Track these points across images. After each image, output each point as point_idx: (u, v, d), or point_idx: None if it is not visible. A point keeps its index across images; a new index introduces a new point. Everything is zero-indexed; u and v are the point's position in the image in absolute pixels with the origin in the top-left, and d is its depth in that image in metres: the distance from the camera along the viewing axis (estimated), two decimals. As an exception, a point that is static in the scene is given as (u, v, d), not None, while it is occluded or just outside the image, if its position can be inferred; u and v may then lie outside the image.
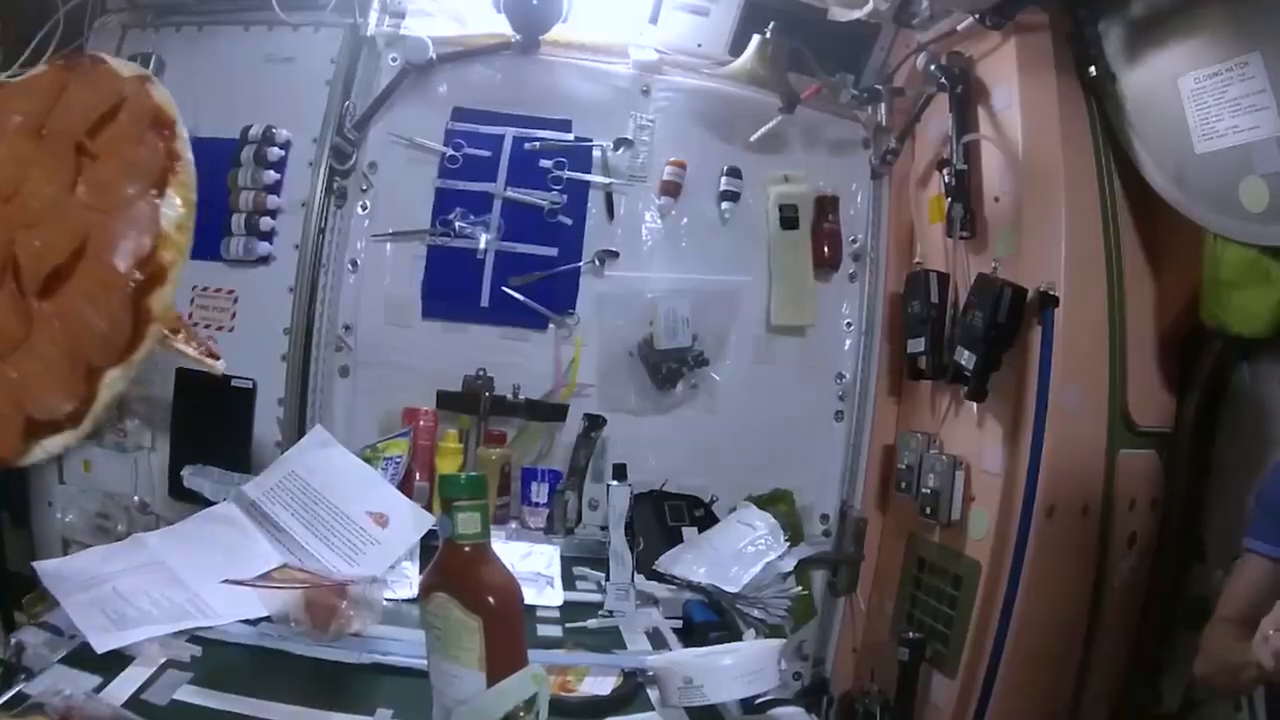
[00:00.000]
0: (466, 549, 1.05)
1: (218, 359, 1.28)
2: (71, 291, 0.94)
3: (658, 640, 1.69)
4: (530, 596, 1.78)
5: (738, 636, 1.74)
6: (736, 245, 2.45)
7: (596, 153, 2.39)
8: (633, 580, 1.83)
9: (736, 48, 2.40)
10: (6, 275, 0.95)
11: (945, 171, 2.18)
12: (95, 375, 0.94)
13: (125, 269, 0.95)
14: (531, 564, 1.95)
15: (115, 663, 1.24)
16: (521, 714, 1.00)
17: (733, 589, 1.93)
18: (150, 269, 0.96)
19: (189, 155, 1.04)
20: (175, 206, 0.98)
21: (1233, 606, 1.56)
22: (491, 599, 1.02)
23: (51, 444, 0.95)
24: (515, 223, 2.35)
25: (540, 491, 2.24)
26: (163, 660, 1.28)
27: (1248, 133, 1.70)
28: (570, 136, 2.38)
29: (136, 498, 2.19)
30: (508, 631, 1.04)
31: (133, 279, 0.95)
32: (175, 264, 0.98)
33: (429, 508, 1.93)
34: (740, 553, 2.02)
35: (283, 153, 2.26)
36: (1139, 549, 2.09)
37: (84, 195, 1.00)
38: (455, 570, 1.05)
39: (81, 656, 1.25)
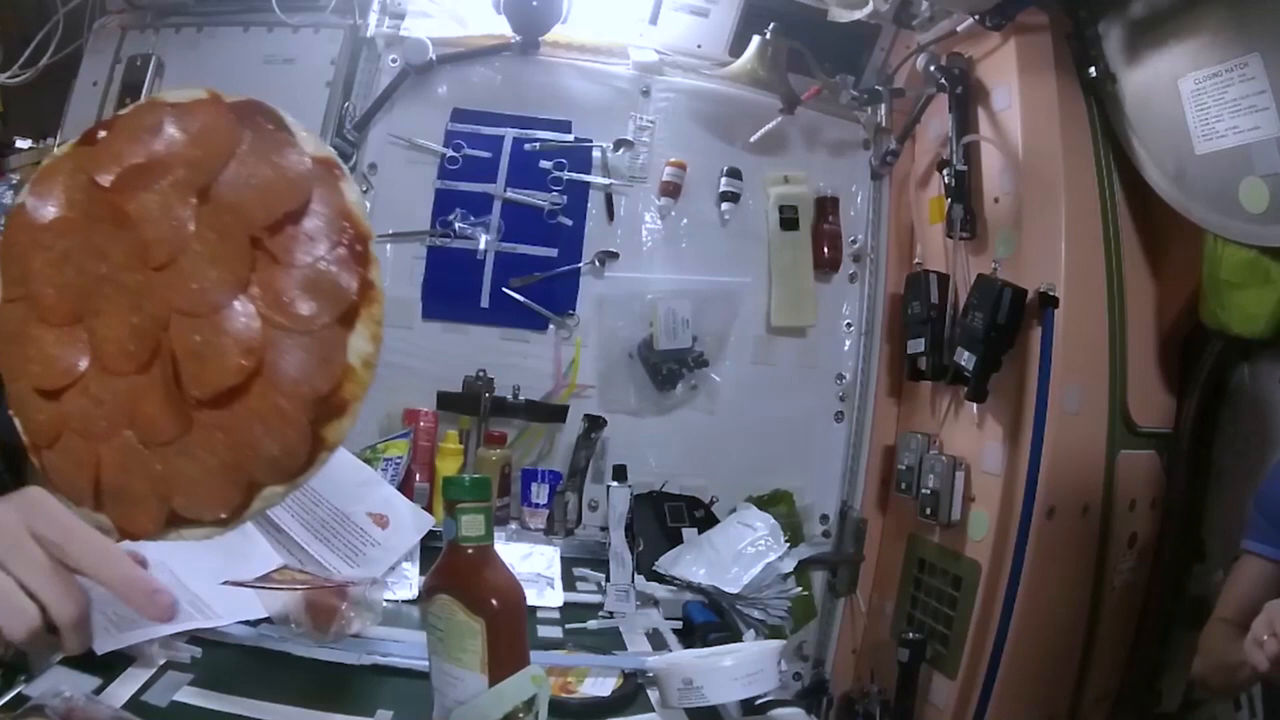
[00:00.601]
0: (470, 551, 1.05)
1: None
2: (242, 411, 0.83)
3: (658, 641, 1.69)
4: (530, 597, 1.77)
5: (738, 637, 1.74)
6: (736, 246, 2.45)
7: (596, 153, 2.39)
8: (633, 581, 1.83)
9: (736, 48, 2.40)
10: (157, 362, 0.84)
11: (945, 172, 2.18)
12: (255, 488, 0.86)
13: (306, 405, 0.84)
14: (532, 565, 1.95)
15: (115, 664, 1.24)
16: (521, 715, 1.00)
17: (733, 590, 1.93)
18: (331, 404, 0.88)
19: (382, 282, 0.89)
20: (365, 340, 0.87)
21: (1230, 607, 1.56)
22: (495, 601, 1.02)
23: (191, 534, 0.89)
24: (515, 224, 2.35)
25: (540, 492, 2.24)
26: (163, 661, 1.28)
27: (1247, 133, 1.70)
28: (570, 137, 2.38)
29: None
30: (510, 634, 1.04)
31: (312, 415, 0.87)
32: (357, 399, 0.88)
33: (429, 509, 1.93)
34: (740, 553, 2.02)
35: (283, 153, 2.25)
36: (1139, 549, 2.09)
37: (261, 302, 0.84)
38: (458, 572, 1.05)
39: (81, 657, 1.24)
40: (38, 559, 0.77)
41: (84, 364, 0.83)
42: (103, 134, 0.90)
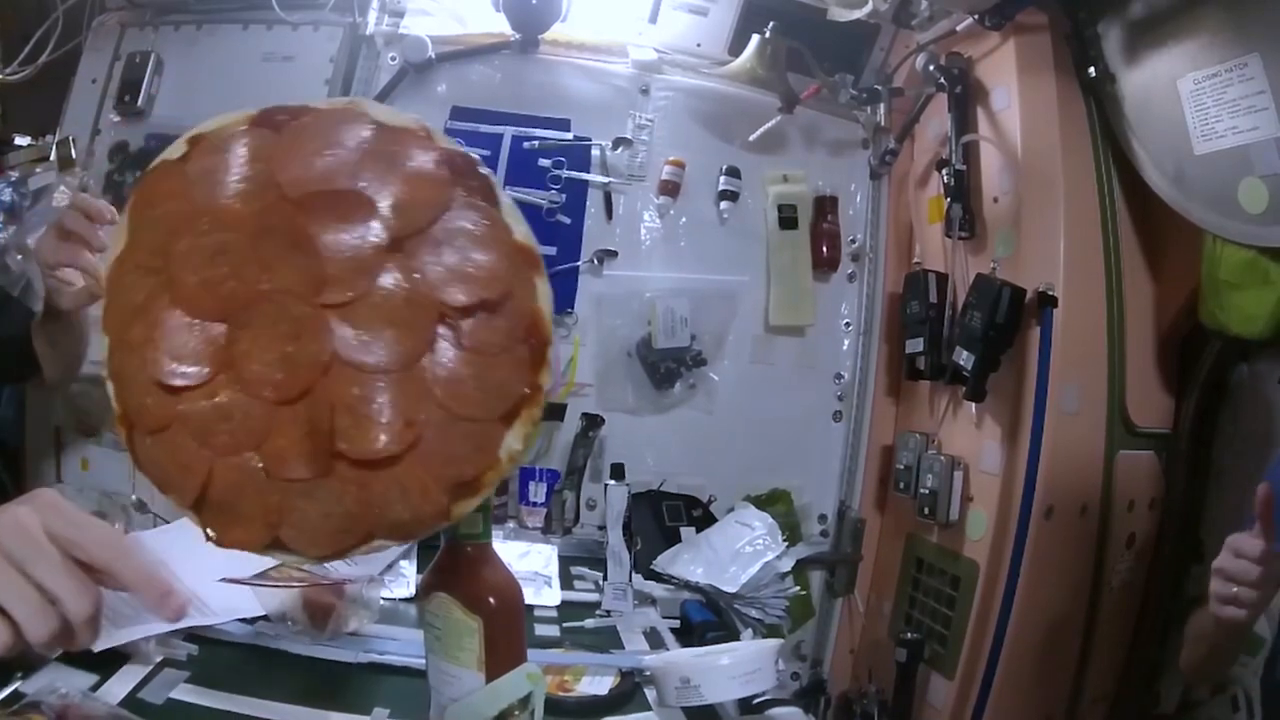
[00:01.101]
0: (468, 549, 1.04)
1: None
2: (385, 476, 0.81)
3: (655, 640, 1.69)
4: (528, 596, 1.77)
5: (735, 636, 1.74)
6: (735, 245, 2.45)
7: (595, 152, 2.38)
8: (630, 580, 1.83)
9: (736, 47, 2.40)
10: (304, 401, 0.80)
11: (944, 172, 2.18)
12: (368, 539, 0.84)
13: (448, 486, 0.83)
14: (529, 563, 1.95)
15: (112, 661, 1.24)
16: (516, 712, 1.00)
17: (730, 589, 1.93)
18: (469, 486, 0.84)
19: (548, 385, 0.89)
20: (517, 439, 0.86)
21: None
22: (492, 599, 1.02)
23: (279, 557, 0.88)
24: (514, 222, 2.34)
25: (538, 491, 2.24)
26: (159, 659, 1.28)
27: (1247, 134, 1.70)
28: (569, 136, 2.38)
29: (134, 496, 2.18)
30: (508, 632, 1.04)
31: (450, 496, 0.83)
32: (492, 484, 0.87)
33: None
34: (738, 553, 2.02)
35: (282, 152, 2.25)
36: (1137, 549, 2.09)
37: (432, 378, 0.82)
38: (456, 570, 1.05)
39: (78, 655, 1.24)
40: (56, 560, 0.77)
41: (209, 370, 0.80)
42: (287, 121, 0.88)
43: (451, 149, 0.91)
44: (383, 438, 0.80)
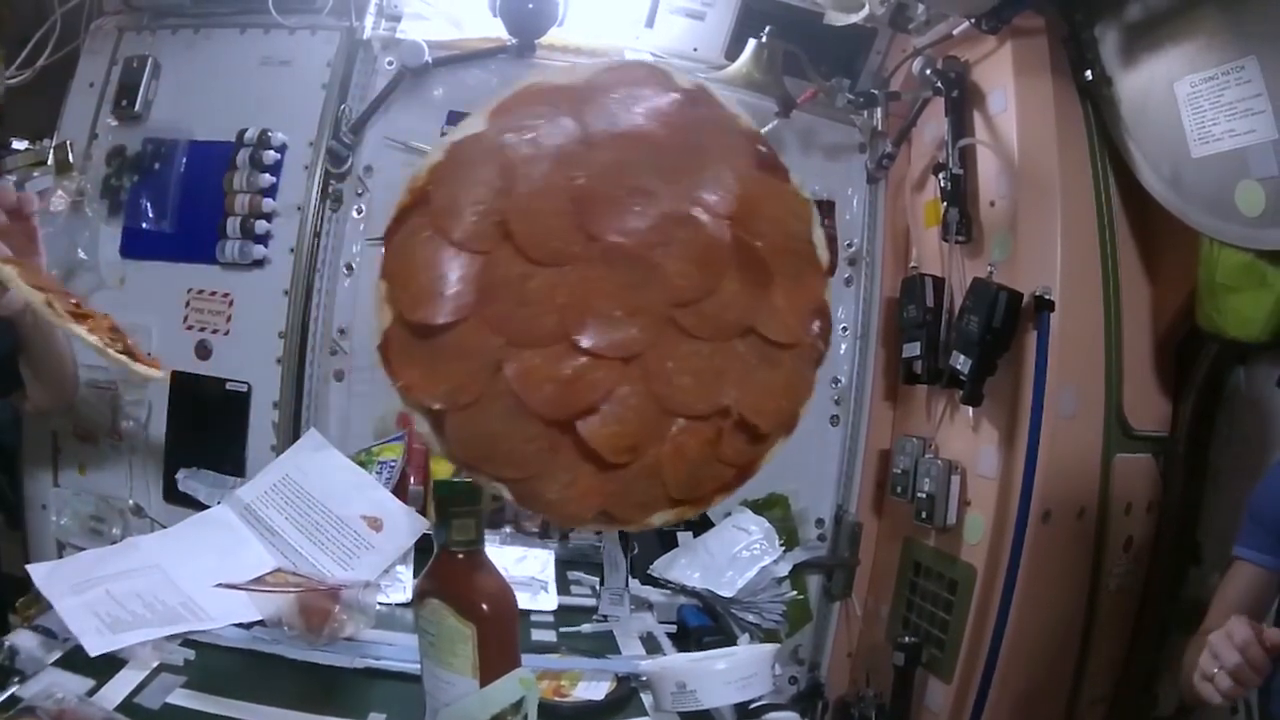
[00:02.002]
0: (461, 556, 1.05)
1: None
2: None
3: (652, 645, 1.68)
4: (524, 601, 1.77)
5: (732, 641, 1.74)
6: (732, 248, 2.44)
7: (593, 156, 2.38)
8: (627, 585, 1.83)
9: (732, 52, 2.40)
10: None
11: (941, 176, 2.19)
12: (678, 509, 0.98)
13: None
14: (526, 568, 1.94)
15: (108, 666, 1.24)
16: (509, 718, 1.00)
17: (727, 593, 1.92)
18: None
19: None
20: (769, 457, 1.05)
21: (1219, 617, 1.56)
22: (485, 606, 1.02)
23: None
24: (511, 226, 2.34)
25: (536, 495, 2.23)
26: (156, 664, 1.28)
27: (1244, 136, 1.71)
28: (566, 140, 2.37)
29: (131, 501, 2.19)
30: (501, 639, 1.04)
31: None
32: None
33: (424, 512, 1.93)
34: (735, 557, 2.02)
35: (278, 156, 2.25)
36: (1135, 553, 2.09)
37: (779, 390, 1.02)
38: (449, 577, 1.05)
39: (75, 660, 1.25)
40: None
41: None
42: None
43: (768, 152, 1.10)
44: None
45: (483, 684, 1.00)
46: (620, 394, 0.91)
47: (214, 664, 1.33)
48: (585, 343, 0.90)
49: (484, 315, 0.90)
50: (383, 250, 0.93)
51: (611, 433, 0.91)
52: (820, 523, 2.49)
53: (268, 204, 2.23)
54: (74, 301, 1.32)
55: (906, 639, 2.07)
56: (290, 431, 2.20)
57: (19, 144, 2.30)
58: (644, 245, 0.94)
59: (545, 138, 0.94)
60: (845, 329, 2.51)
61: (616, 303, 0.92)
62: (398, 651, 1.41)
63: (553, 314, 0.90)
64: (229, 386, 2.20)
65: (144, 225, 2.25)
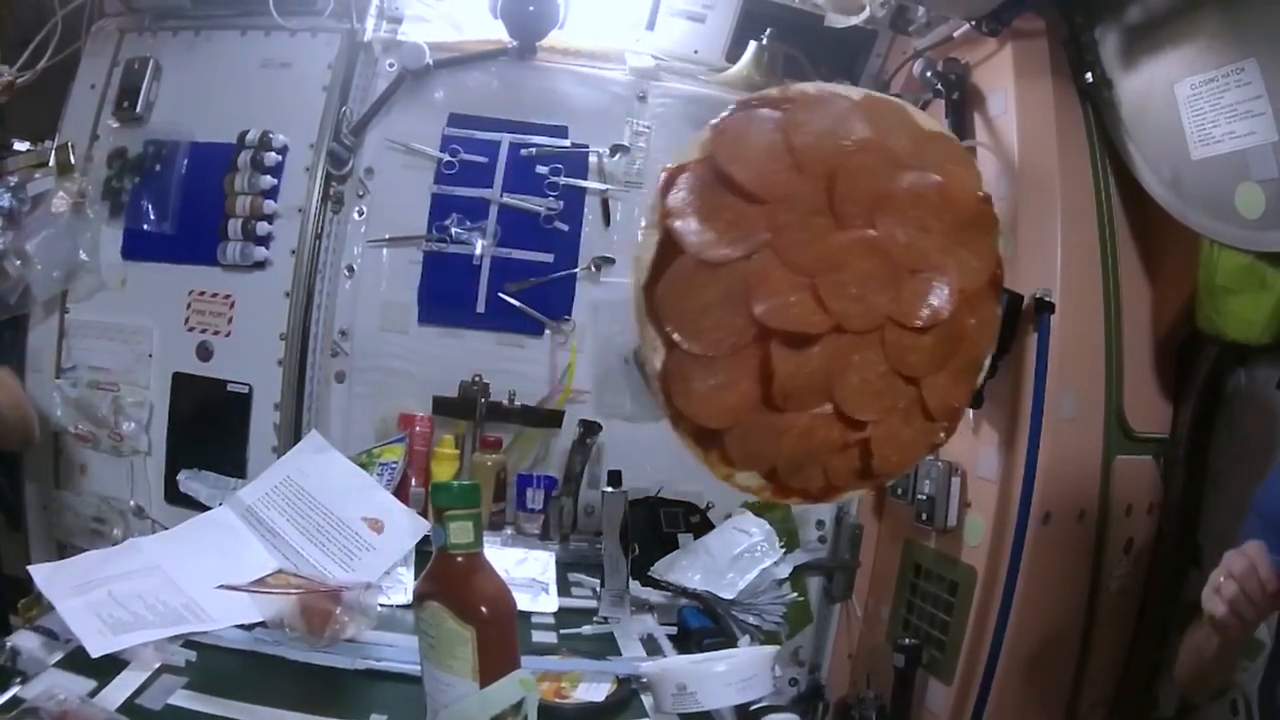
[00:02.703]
0: (459, 558, 1.05)
1: None
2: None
3: (652, 647, 1.69)
4: (525, 603, 1.78)
5: (733, 643, 1.74)
6: (733, 250, 2.44)
7: (593, 159, 2.39)
8: (627, 586, 1.83)
9: (733, 54, 2.41)
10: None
11: (941, 178, 2.18)
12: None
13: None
14: (526, 570, 1.95)
15: (110, 667, 1.25)
16: (509, 719, 1.00)
17: (728, 595, 1.93)
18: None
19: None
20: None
21: None
22: (484, 609, 1.02)
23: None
24: (511, 229, 2.35)
25: (536, 497, 2.24)
26: (157, 665, 1.29)
27: (1244, 138, 1.70)
28: (566, 142, 2.38)
29: (133, 502, 2.19)
30: (500, 641, 1.04)
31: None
32: None
33: (425, 514, 1.93)
34: (736, 559, 2.02)
35: (279, 158, 2.26)
36: (1135, 554, 2.09)
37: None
38: (448, 579, 1.05)
39: (77, 661, 1.25)
40: None
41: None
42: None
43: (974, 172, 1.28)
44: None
45: (482, 686, 1.01)
46: (814, 350, 1.09)
47: (215, 665, 1.33)
48: (821, 290, 1.09)
49: (774, 214, 1.10)
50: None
51: (791, 370, 1.07)
52: (821, 524, 2.49)
53: (269, 206, 2.23)
54: None
55: (907, 641, 2.07)
56: (291, 433, 2.20)
57: (20, 145, 2.31)
58: (906, 259, 1.13)
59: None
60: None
61: (858, 282, 1.10)
62: (399, 653, 1.41)
63: (816, 253, 1.09)
64: (230, 388, 2.21)
65: (145, 227, 2.25)
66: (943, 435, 1.21)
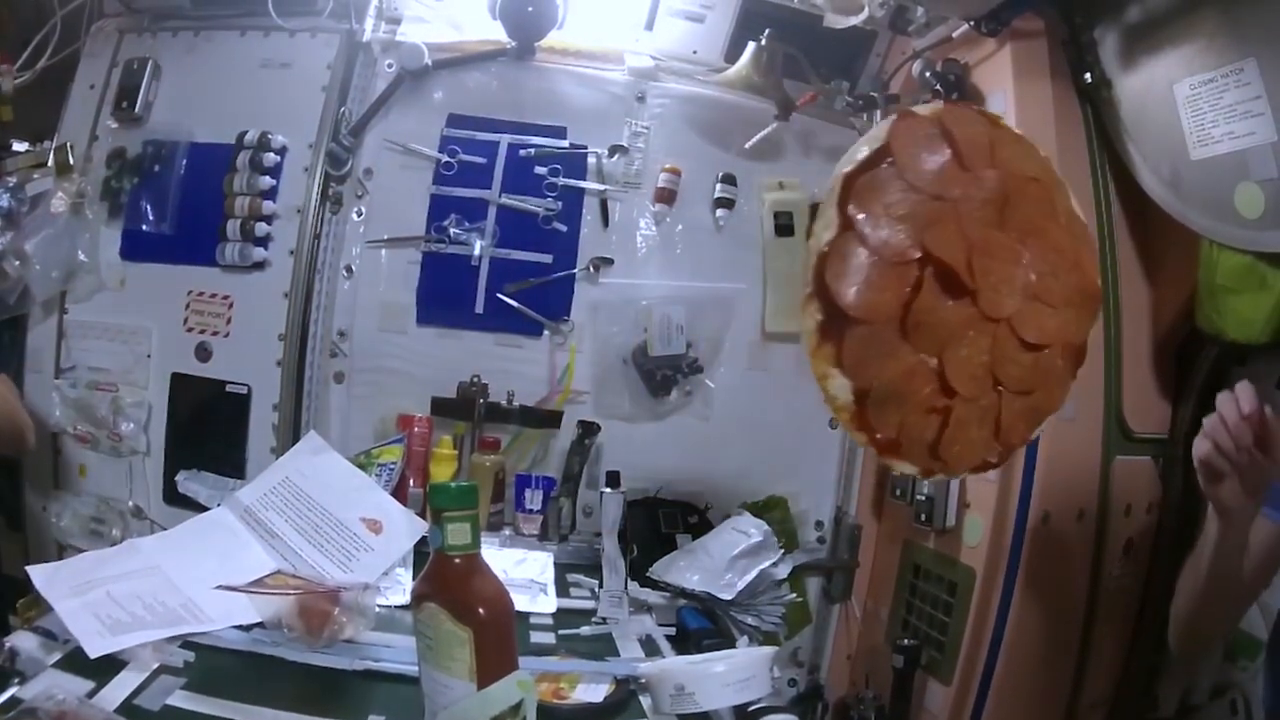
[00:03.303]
0: (457, 560, 1.05)
1: None
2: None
3: (651, 647, 1.69)
4: (523, 603, 1.78)
5: (732, 643, 1.75)
6: (731, 252, 2.44)
7: (591, 159, 2.39)
8: (626, 587, 1.83)
9: (732, 54, 2.40)
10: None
11: (940, 178, 2.18)
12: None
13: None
14: (525, 571, 1.95)
15: (109, 668, 1.25)
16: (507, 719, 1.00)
17: (727, 596, 1.93)
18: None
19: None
20: None
21: None
22: (481, 610, 1.02)
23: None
24: (510, 229, 2.35)
25: (534, 498, 2.24)
26: (156, 665, 1.29)
27: (1243, 139, 1.70)
28: (565, 143, 2.38)
29: (131, 502, 2.19)
30: (498, 643, 1.04)
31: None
32: None
33: (423, 514, 1.93)
34: (734, 559, 2.02)
35: (278, 158, 2.26)
36: (1134, 555, 2.09)
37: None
38: (445, 581, 1.05)
39: (75, 661, 1.25)
40: None
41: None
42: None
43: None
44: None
45: (480, 687, 1.01)
46: (951, 304, 1.29)
47: (214, 666, 1.33)
48: (974, 262, 1.27)
49: (968, 185, 1.31)
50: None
51: (931, 305, 1.28)
52: (820, 525, 2.49)
53: (268, 206, 2.23)
54: None
55: (906, 641, 2.07)
56: (290, 434, 2.20)
57: (19, 145, 2.31)
58: (1035, 285, 1.33)
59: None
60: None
61: (1000, 274, 1.30)
62: (397, 654, 1.41)
63: (980, 234, 1.29)
64: (229, 388, 2.21)
65: (144, 227, 2.25)
66: (995, 459, 1.37)
